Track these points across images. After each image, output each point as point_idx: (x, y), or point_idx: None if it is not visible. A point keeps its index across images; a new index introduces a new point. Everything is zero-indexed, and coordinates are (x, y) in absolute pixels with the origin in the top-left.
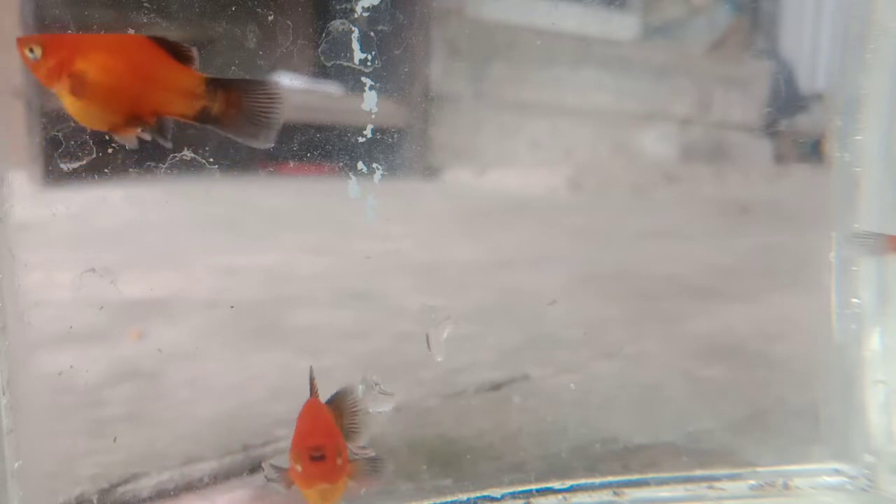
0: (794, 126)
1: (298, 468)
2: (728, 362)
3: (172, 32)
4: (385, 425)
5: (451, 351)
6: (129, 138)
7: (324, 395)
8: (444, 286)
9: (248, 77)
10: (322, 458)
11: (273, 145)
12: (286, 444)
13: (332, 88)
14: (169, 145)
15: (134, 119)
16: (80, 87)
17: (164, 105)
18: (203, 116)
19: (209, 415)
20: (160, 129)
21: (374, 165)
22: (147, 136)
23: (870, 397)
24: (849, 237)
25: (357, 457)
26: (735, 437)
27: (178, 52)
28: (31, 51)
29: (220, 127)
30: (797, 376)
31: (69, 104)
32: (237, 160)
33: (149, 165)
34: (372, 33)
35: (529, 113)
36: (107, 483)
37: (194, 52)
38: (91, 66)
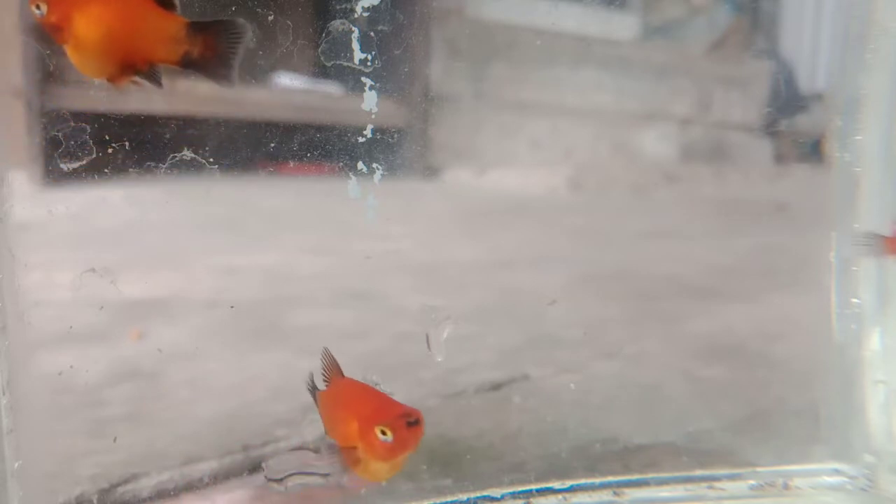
0: (794, 126)
1: (388, 438)
2: (728, 362)
3: None
4: None
5: (451, 351)
6: (125, 86)
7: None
8: (444, 286)
9: (223, 19)
10: (417, 422)
11: (234, 85)
12: (286, 444)
13: (332, 88)
14: (160, 86)
15: (128, 67)
16: (77, 40)
17: (152, 51)
18: (185, 61)
19: (209, 415)
20: (151, 75)
21: (374, 165)
22: (139, 82)
23: (870, 397)
24: (849, 239)
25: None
26: (735, 437)
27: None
28: (38, 7)
29: (200, 71)
30: (797, 376)
31: (70, 54)
32: (237, 160)
33: (149, 165)
34: (372, 33)
35: (529, 113)
36: (107, 483)
37: None
38: (86, 18)
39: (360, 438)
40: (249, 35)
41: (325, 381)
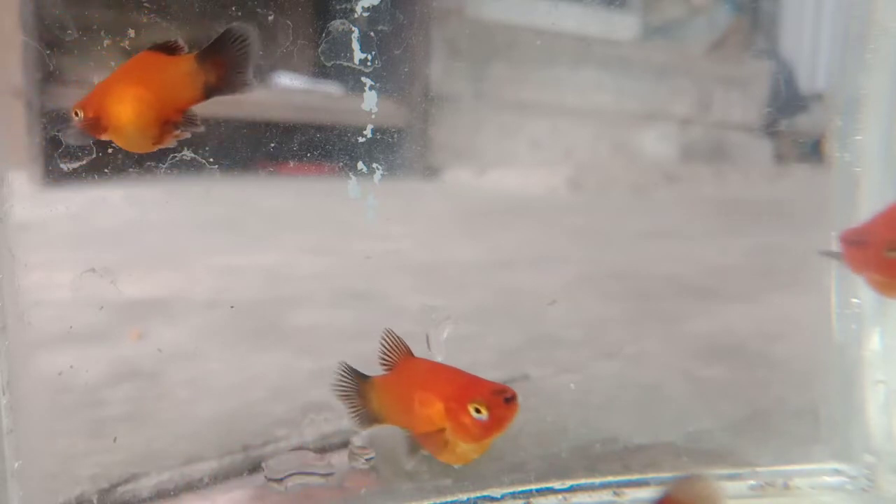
0: (794, 126)
1: (483, 416)
2: (728, 362)
3: (172, 32)
4: (385, 425)
5: (451, 351)
6: (171, 143)
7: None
8: (444, 286)
9: (218, 33)
10: (514, 398)
11: (255, 85)
12: (286, 444)
13: (332, 88)
14: (201, 127)
15: (166, 125)
16: (116, 126)
17: (180, 100)
18: (208, 90)
19: (209, 415)
20: (188, 121)
21: (374, 165)
22: (185, 134)
23: (870, 397)
24: (820, 253)
25: None
26: (735, 437)
27: (169, 49)
28: (77, 114)
29: (223, 90)
30: (797, 376)
31: (117, 140)
32: (237, 160)
33: (149, 165)
34: (372, 33)
35: (529, 113)
36: (107, 483)
37: (180, 41)
38: (118, 103)
39: (449, 419)
40: (254, 34)
41: (386, 364)
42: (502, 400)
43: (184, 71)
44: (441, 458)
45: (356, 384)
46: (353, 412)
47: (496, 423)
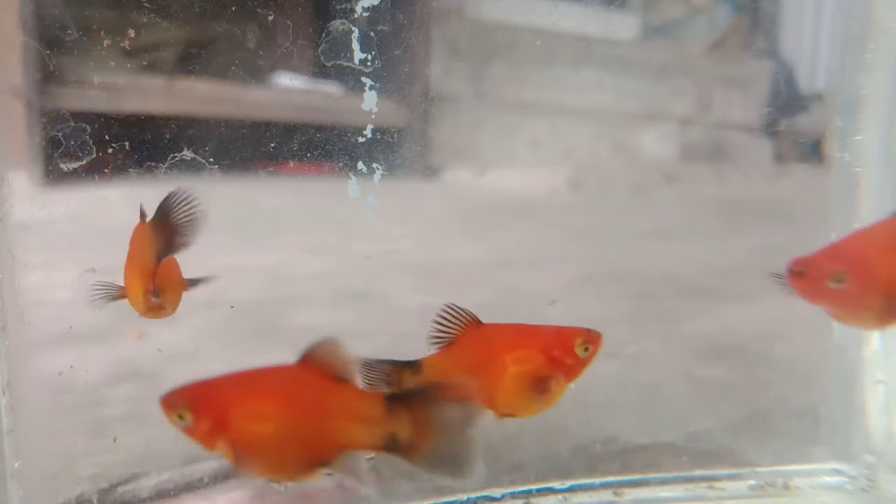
0: (794, 126)
1: (587, 353)
2: (728, 362)
3: (172, 32)
4: None
5: None
6: (315, 481)
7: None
8: (444, 286)
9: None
10: (596, 332)
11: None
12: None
13: (332, 88)
14: (368, 490)
15: (314, 462)
16: (246, 451)
17: (341, 438)
18: (391, 445)
19: None
20: (349, 467)
21: (374, 165)
22: (343, 480)
23: (870, 397)
24: (772, 278)
25: None
26: (735, 437)
27: (337, 373)
28: (181, 417)
29: (414, 459)
30: (797, 376)
31: (235, 466)
32: (237, 160)
33: (149, 165)
34: (372, 33)
35: (529, 113)
36: (107, 483)
37: (354, 369)
38: (248, 420)
39: (554, 367)
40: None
41: (441, 341)
42: (593, 335)
43: (359, 408)
44: (525, 414)
45: (391, 375)
46: None
47: (592, 355)
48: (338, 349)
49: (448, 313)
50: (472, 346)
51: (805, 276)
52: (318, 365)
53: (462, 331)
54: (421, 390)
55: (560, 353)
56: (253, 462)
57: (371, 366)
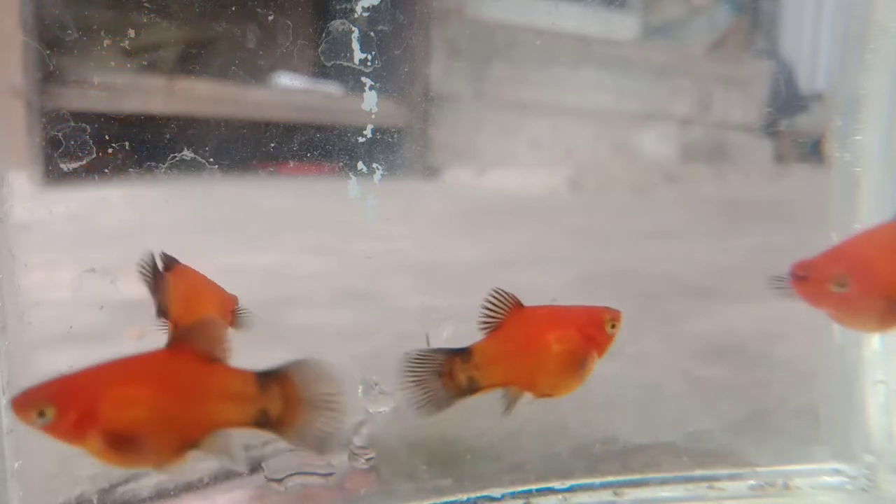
0: (794, 126)
1: (615, 329)
2: (728, 362)
3: (172, 32)
4: (385, 425)
5: None
6: (181, 465)
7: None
8: (444, 286)
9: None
10: (615, 310)
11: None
12: (286, 444)
13: (332, 88)
14: (241, 468)
15: (186, 444)
16: (117, 440)
17: (214, 418)
18: (262, 421)
19: None
20: (219, 446)
21: (374, 165)
22: (214, 461)
23: (870, 397)
24: (771, 282)
25: None
26: (735, 437)
27: (209, 353)
28: (42, 414)
29: (284, 433)
30: (797, 376)
31: (105, 457)
32: (237, 160)
33: (149, 165)
34: (372, 33)
35: (529, 113)
36: (107, 483)
37: (227, 349)
38: (118, 407)
39: (591, 344)
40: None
41: (489, 325)
42: (615, 312)
43: (231, 387)
44: (563, 392)
45: (442, 365)
46: (429, 397)
47: (617, 331)
48: (211, 329)
49: (495, 298)
50: (516, 329)
51: (807, 279)
52: (190, 346)
53: (507, 315)
54: (289, 365)
55: (594, 331)
56: (125, 451)
57: (423, 356)
